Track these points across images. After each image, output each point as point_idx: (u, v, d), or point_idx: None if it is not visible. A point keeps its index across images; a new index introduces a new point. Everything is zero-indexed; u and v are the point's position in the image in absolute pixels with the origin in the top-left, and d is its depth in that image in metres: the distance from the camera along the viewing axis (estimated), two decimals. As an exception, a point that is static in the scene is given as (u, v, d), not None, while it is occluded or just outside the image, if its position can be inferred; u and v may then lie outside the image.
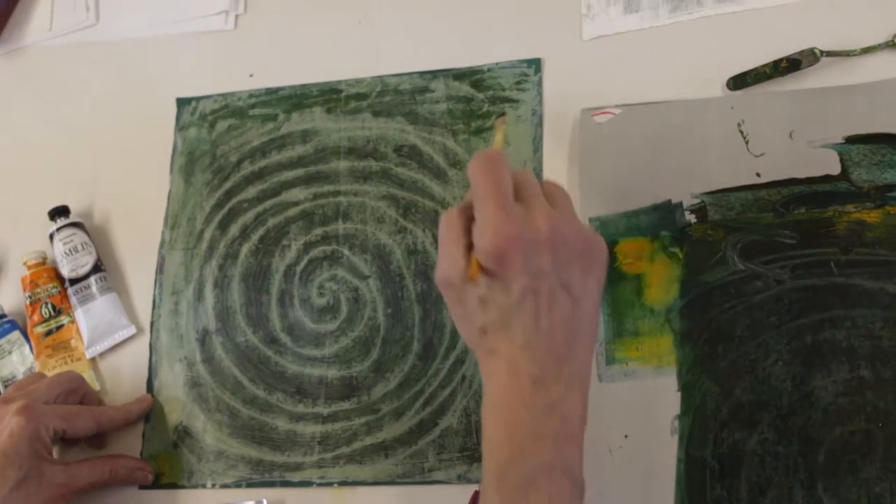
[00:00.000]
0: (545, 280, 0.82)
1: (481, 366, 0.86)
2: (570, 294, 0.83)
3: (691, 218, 1.03)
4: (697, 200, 1.04)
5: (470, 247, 0.83)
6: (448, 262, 0.84)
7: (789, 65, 1.05)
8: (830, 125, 1.02)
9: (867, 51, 1.05)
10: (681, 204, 1.04)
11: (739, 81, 1.07)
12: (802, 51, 1.05)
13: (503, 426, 0.83)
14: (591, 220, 1.07)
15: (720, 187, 1.03)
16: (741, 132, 1.05)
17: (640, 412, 0.99)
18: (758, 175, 1.03)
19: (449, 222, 0.86)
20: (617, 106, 1.10)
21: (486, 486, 0.82)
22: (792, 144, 1.03)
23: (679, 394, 0.98)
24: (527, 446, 0.81)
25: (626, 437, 0.99)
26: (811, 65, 1.05)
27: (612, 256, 1.04)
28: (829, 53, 1.05)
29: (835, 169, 1.01)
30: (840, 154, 1.01)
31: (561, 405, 0.81)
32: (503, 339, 0.83)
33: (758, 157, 1.04)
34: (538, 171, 1.12)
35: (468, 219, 0.85)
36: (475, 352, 0.87)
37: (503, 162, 0.85)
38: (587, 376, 0.85)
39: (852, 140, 1.01)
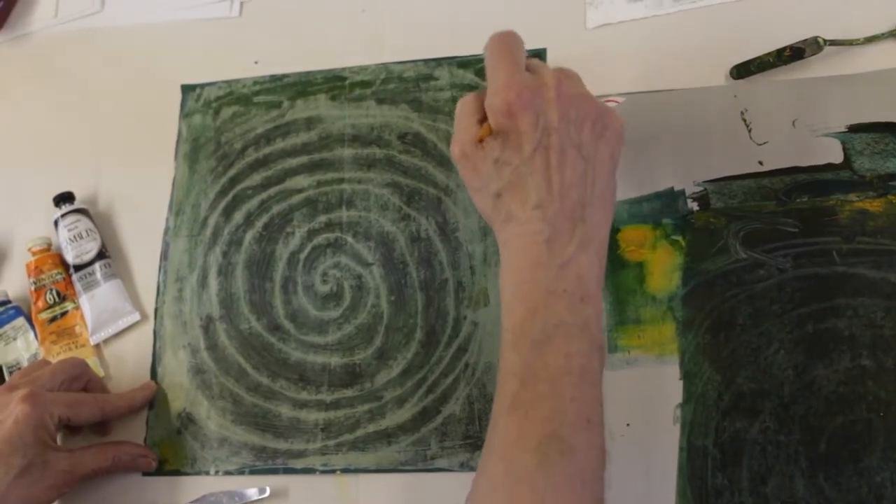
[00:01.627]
0: (555, 136, 0.84)
1: (498, 235, 0.88)
2: (581, 154, 0.85)
3: (694, 206, 1.03)
4: (700, 188, 1.04)
5: (482, 120, 0.87)
6: (462, 133, 0.88)
7: (793, 53, 1.05)
8: (833, 114, 1.02)
9: (871, 40, 1.05)
10: (683, 192, 1.04)
11: (743, 70, 1.07)
12: (806, 39, 1.05)
13: (519, 286, 0.84)
14: (593, 207, 1.07)
15: (723, 175, 1.04)
16: (744, 120, 1.05)
17: (641, 400, 0.99)
18: (760, 163, 1.03)
19: (464, 101, 0.90)
20: (620, 94, 1.10)
21: (505, 347, 0.84)
22: (795, 133, 1.03)
23: (681, 382, 0.98)
24: (541, 304, 0.82)
25: (627, 425, 0.99)
26: (815, 53, 1.05)
27: (615, 244, 1.05)
28: (833, 42, 1.05)
29: (837, 158, 1.01)
30: (843, 143, 1.01)
31: (575, 264, 0.83)
32: (517, 200, 0.85)
33: (760, 145, 1.04)
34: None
35: (481, 99, 0.88)
36: (492, 223, 0.90)
37: (517, 39, 0.89)
38: (604, 239, 0.87)
39: (855, 129, 1.01)
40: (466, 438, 1.05)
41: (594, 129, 0.87)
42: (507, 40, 0.89)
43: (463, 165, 0.89)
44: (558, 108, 0.84)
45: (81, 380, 1.11)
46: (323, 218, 1.17)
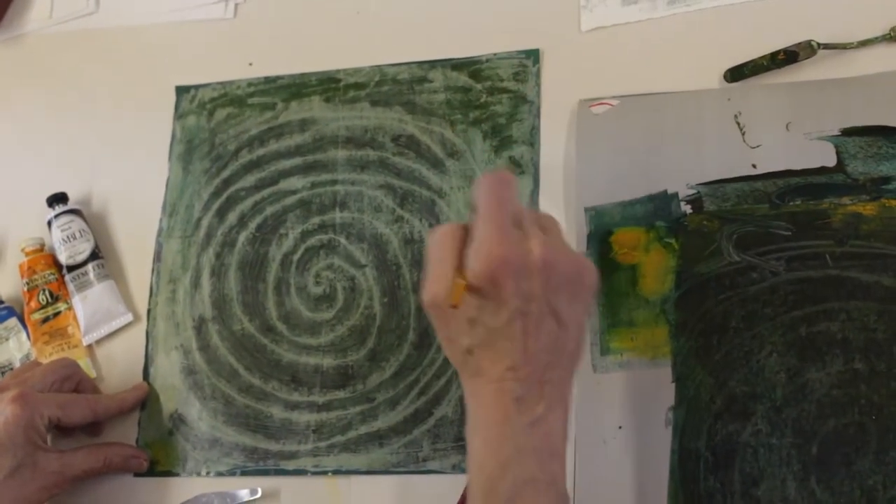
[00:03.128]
0: (535, 304, 0.81)
1: (465, 386, 0.86)
2: (558, 319, 0.83)
3: (687, 208, 1.03)
4: (693, 191, 1.04)
5: (458, 269, 0.82)
6: (437, 284, 0.83)
7: (786, 57, 1.05)
8: (827, 117, 1.02)
9: (864, 44, 1.05)
10: (676, 194, 1.04)
11: (737, 73, 1.07)
12: (800, 43, 1.05)
13: (488, 443, 0.83)
14: (586, 209, 1.07)
15: (716, 178, 1.03)
16: (738, 123, 1.05)
17: (634, 403, 0.99)
18: (754, 166, 1.03)
19: (442, 240, 0.85)
20: (614, 97, 1.10)
21: (472, 499, 0.83)
22: (788, 136, 1.03)
23: (674, 385, 0.98)
24: (512, 461, 0.81)
25: (619, 427, 0.99)
26: (808, 57, 1.05)
27: (608, 246, 1.05)
28: (827, 46, 1.05)
29: (831, 161, 1.01)
30: (836, 146, 1.01)
31: (543, 422, 0.82)
32: (488, 358, 0.83)
33: (754, 148, 1.04)
34: (535, 162, 1.13)
35: (461, 239, 0.84)
36: (459, 372, 0.87)
37: (511, 185, 0.85)
38: (569, 395, 0.85)
39: (849, 132, 1.01)
40: (458, 440, 1.05)
41: (571, 290, 0.84)
42: (500, 187, 0.85)
43: (434, 315, 0.85)
44: (541, 276, 0.81)
45: (73, 380, 1.11)
46: (316, 219, 1.17)
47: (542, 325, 0.82)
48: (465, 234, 0.84)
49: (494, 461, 0.81)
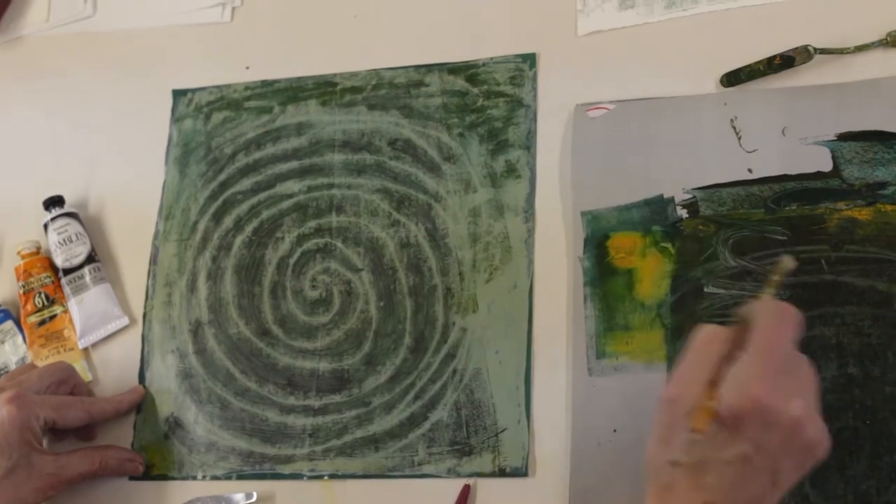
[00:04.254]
0: (765, 458, 0.78)
1: (650, 488, 0.82)
2: (774, 481, 0.79)
3: (683, 213, 1.03)
4: (689, 195, 1.04)
5: (714, 384, 0.79)
6: (685, 388, 0.80)
7: (783, 62, 1.06)
8: (823, 122, 1.03)
9: (860, 49, 1.05)
10: (672, 199, 1.04)
11: (733, 78, 1.08)
12: (796, 48, 1.05)
13: None
14: (583, 213, 1.07)
15: (712, 183, 1.04)
16: (734, 128, 1.05)
17: (629, 407, 0.99)
18: (749, 171, 1.03)
19: (706, 342, 0.82)
20: (611, 102, 1.10)
21: None
22: (784, 141, 1.03)
23: (668, 389, 0.98)
24: None
25: (614, 431, 0.99)
26: (805, 62, 1.05)
27: (604, 250, 1.05)
28: (823, 51, 1.05)
29: (826, 166, 1.01)
30: (832, 151, 1.01)
31: None
32: (690, 482, 0.79)
33: (750, 153, 1.04)
34: (532, 166, 1.13)
35: (726, 349, 0.81)
36: (649, 472, 0.83)
37: (796, 325, 0.81)
38: None
39: (844, 137, 1.01)
40: (453, 444, 1.05)
41: (799, 461, 0.80)
42: (784, 326, 0.80)
43: (665, 410, 0.82)
44: (785, 436, 0.77)
45: (68, 384, 1.11)
46: (313, 223, 1.18)
47: (757, 479, 0.78)
48: (731, 344, 0.81)
49: None
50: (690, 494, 0.79)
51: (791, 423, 0.77)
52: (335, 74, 1.24)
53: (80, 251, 1.21)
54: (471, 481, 1.03)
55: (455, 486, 1.02)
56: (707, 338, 0.82)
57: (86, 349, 1.20)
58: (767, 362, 0.78)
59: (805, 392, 0.79)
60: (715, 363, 0.80)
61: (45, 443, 1.09)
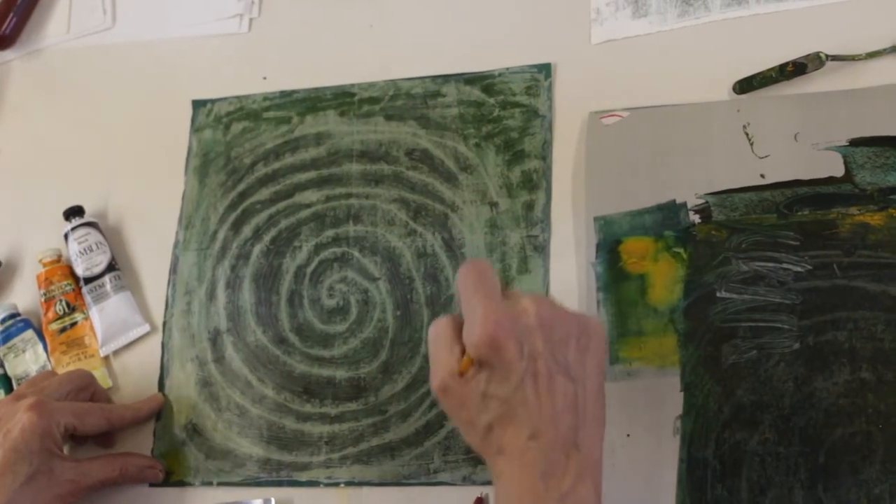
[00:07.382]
0: (541, 361, 0.80)
1: (491, 467, 0.84)
2: (569, 376, 0.81)
3: (695, 218, 1.04)
4: (702, 201, 1.04)
5: (461, 352, 0.83)
6: (441, 366, 0.84)
7: (795, 69, 1.06)
8: (835, 128, 1.03)
9: (872, 55, 1.05)
10: (685, 204, 1.04)
11: (746, 85, 1.08)
12: (808, 55, 1.06)
13: None
14: (596, 219, 1.08)
15: (724, 188, 1.04)
16: (746, 134, 1.05)
17: (642, 412, 1.00)
18: (762, 176, 1.03)
19: (437, 329, 0.86)
20: (624, 109, 1.11)
21: None
22: (796, 146, 1.03)
23: (682, 394, 0.98)
24: None
25: (628, 436, 0.99)
26: (817, 69, 1.06)
27: (617, 256, 1.05)
28: (835, 58, 1.05)
29: (839, 171, 1.01)
30: (844, 156, 1.01)
31: (573, 496, 0.79)
32: (509, 432, 0.81)
33: (762, 158, 1.04)
34: (548, 177, 1.13)
35: (456, 327, 0.84)
36: (483, 455, 0.85)
37: (487, 267, 0.85)
38: (598, 462, 0.83)
39: (857, 143, 1.01)
40: (469, 452, 1.05)
41: (578, 344, 0.83)
42: (477, 269, 0.85)
43: (446, 399, 0.85)
44: (540, 332, 0.81)
45: (87, 391, 1.12)
46: (330, 232, 1.18)
47: (553, 384, 0.80)
48: (459, 321, 0.84)
49: None
50: (515, 441, 0.81)
51: (536, 320, 0.81)
52: (353, 85, 1.25)
53: (101, 260, 1.21)
54: (483, 494, 1.03)
55: (470, 493, 1.02)
56: (435, 327, 0.86)
57: (106, 356, 1.21)
58: (481, 295, 0.82)
59: (525, 296, 0.84)
60: (453, 340, 0.84)
61: (65, 449, 1.09)
